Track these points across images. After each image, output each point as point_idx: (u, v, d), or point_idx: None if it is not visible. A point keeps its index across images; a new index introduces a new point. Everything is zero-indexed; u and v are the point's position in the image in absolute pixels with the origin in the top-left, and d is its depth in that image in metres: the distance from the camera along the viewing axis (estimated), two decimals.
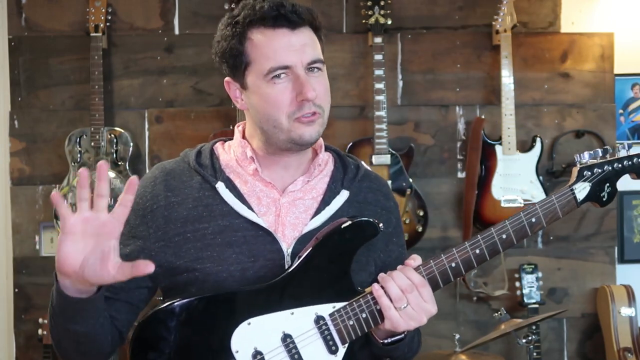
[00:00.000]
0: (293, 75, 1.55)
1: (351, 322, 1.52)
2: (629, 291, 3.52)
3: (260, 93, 1.57)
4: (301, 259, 1.54)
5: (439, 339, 3.52)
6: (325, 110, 1.60)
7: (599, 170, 1.62)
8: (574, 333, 3.67)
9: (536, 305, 3.48)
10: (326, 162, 1.72)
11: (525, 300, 3.49)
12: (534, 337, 3.10)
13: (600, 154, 1.62)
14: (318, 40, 1.61)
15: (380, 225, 1.55)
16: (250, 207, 1.61)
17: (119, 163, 3.48)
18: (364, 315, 1.53)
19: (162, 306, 1.51)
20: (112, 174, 3.45)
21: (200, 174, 1.65)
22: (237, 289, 1.54)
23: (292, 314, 1.52)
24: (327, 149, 1.75)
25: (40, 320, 3.45)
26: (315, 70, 1.58)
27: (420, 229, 3.48)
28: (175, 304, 1.51)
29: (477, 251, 1.56)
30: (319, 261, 1.54)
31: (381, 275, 1.54)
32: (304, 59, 1.55)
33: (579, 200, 1.60)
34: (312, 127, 1.58)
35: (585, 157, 1.62)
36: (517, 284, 3.52)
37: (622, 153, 1.63)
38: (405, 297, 1.50)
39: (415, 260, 1.56)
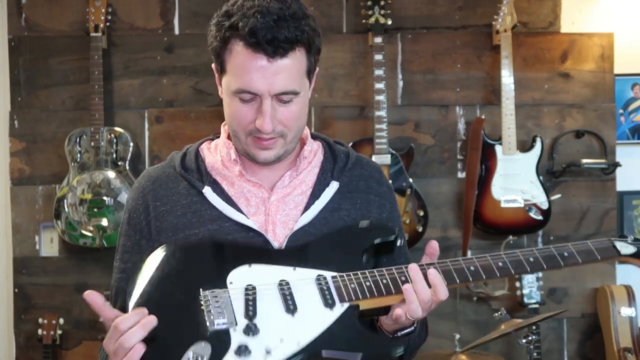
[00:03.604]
0: (258, 101, 1.52)
1: (352, 285, 1.46)
2: (629, 291, 3.51)
3: (227, 102, 1.57)
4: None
5: (439, 339, 3.52)
6: (289, 134, 1.56)
7: None
8: (574, 333, 3.67)
9: (536, 306, 3.47)
10: (315, 152, 1.68)
11: (526, 300, 3.48)
12: (534, 337, 3.09)
13: None
14: (307, 59, 1.54)
15: (399, 242, 1.56)
16: (239, 209, 1.59)
17: (119, 163, 3.48)
18: (367, 284, 1.47)
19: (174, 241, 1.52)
20: (112, 174, 3.45)
21: (187, 179, 1.63)
22: (245, 242, 1.53)
23: (294, 269, 1.48)
24: (315, 137, 1.70)
25: (40, 320, 3.46)
26: (285, 99, 1.53)
27: (420, 229, 3.48)
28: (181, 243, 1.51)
29: (500, 264, 1.53)
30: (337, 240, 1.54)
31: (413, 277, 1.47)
32: (272, 89, 1.50)
33: (621, 253, 1.59)
34: (267, 151, 1.57)
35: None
36: (517, 284, 3.52)
37: None
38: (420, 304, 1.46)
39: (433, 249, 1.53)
